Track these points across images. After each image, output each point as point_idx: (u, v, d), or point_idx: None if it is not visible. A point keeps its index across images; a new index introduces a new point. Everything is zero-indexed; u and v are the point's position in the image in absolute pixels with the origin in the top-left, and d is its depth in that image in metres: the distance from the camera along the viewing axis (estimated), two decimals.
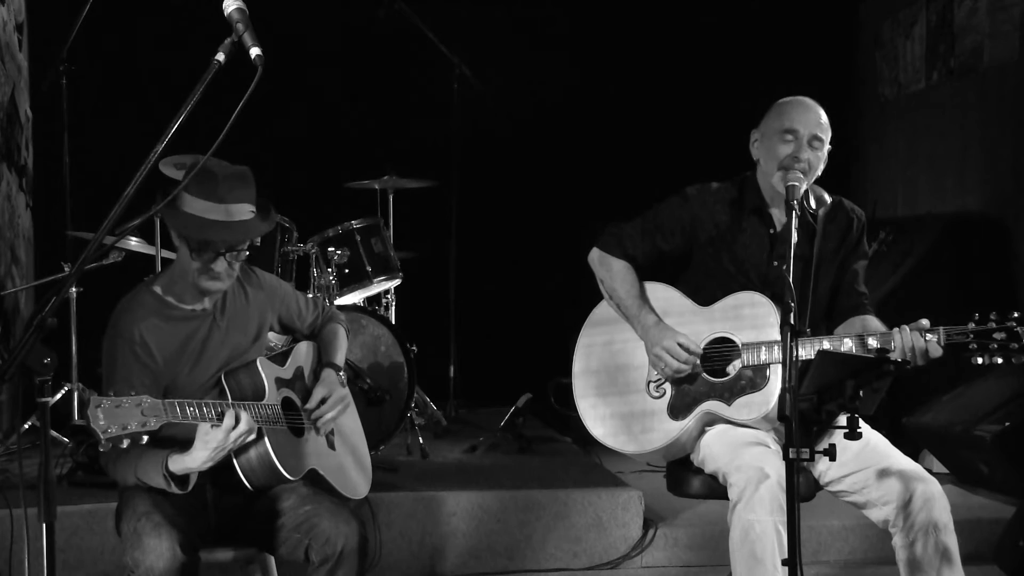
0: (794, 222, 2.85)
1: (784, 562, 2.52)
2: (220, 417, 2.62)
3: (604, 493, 4.28)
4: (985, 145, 5.90)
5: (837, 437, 2.65)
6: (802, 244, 3.19)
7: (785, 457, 2.49)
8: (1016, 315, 2.84)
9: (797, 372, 2.52)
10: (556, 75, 6.56)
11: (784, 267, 2.69)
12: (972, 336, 2.86)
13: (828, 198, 3.26)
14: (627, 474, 4.72)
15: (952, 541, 2.94)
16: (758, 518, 2.85)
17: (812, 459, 2.51)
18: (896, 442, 3.14)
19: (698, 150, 6.13)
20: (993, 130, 5.83)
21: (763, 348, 3.04)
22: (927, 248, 5.64)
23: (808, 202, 3.22)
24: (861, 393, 2.58)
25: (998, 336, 2.84)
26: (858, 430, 2.58)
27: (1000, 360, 2.84)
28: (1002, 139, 5.75)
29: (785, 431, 2.51)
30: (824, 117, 3.14)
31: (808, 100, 3.17)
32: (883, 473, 3.00)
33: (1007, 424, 4.56)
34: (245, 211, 2.87)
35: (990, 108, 5.86)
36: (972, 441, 4.66)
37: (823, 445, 2.62)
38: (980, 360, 2.86)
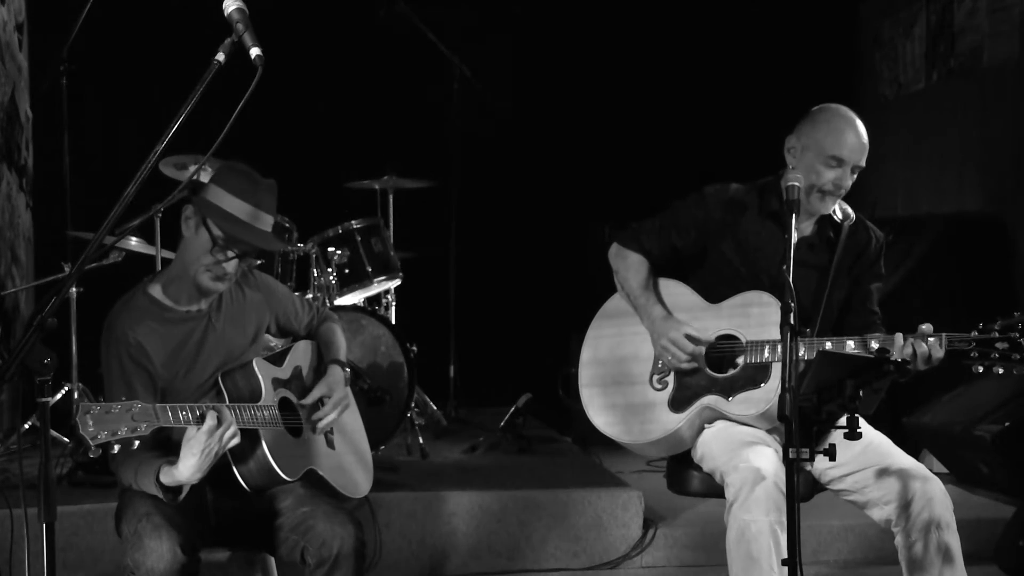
0: (794, 223, 2.85)
1: (784, 562, 2.52)
2: (202, 420, 2.61)
3: (604, 493, 4.28)
4: (985, 145, 5.90)
5: (837, 437, 2.65)
6: (820, 253, 3.20)
7: (785, 457, 2.50)
8: (1020, 326, 2.83)
9: (797, 372, 2.52)
10: (557, 75, 6.57)
11: (784, 267, 2.69)
12: (974, 344, 2.85)
13: (852, 214, 3.27)
14: (627, 474, 4.72)
15: (954, 540, 2.94)
16: (754, 518, 2.85)
17: (812, 459, 2.51)
18: (896, 442, 3.14)
19: (699, 150, 6.14)
20: (993, 130, 5.83)
21: (766, 347, 3.05)
22: (927, 248, 5.63)
23: (835, 214, 3.22)
24: (861, 393, 2.58)
25: (1000, 345, 2.83)
26: (858, 430, 2.58)
27: (1001, 370, 2.83)
28: (1002, 139, 5.75)
29: (785, 431, 2.51)
30: (866, 139, 3.11)
31: (859, 124, 3.11)
32: (884, 472, 3.00)
33: (1007, 424, 4.56)
34: (270, 222, 2.92)
35: (990, 108, 5.86)
36: (972, 441, 4.66)
37: (823, 445, 2.62)
38: (980, 368, 2.85)
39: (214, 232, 2.81)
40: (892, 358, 2.86)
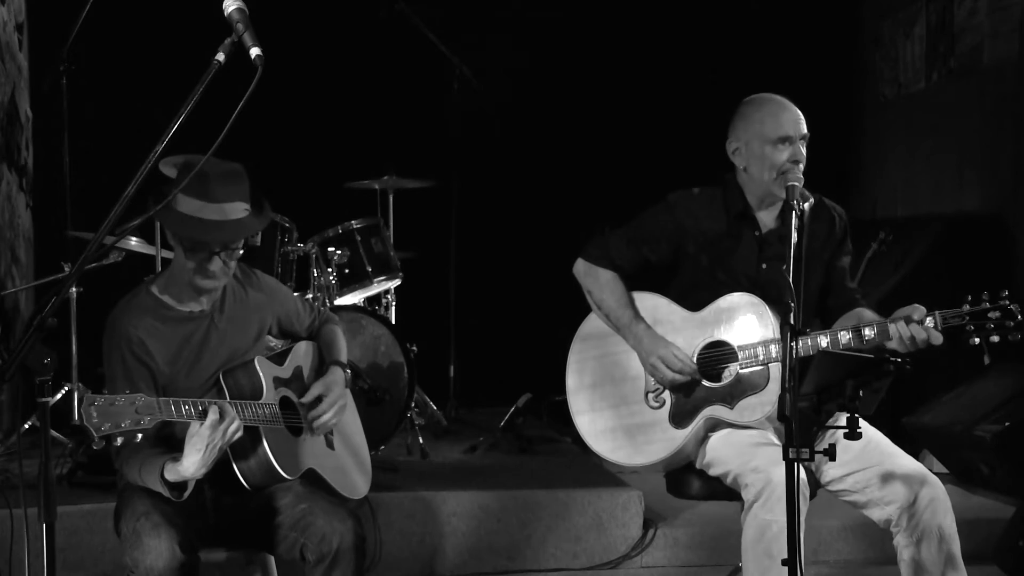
0: (794, 223, 2.83)
1: (784, 562, 2.52)
2: (204, 415, 2.61)
3: (604, 493, 4.28)
4: (985, 145, 5.90)
5: (837, 437, 2.65)
6: (789, 243, 3.17)
7: (785, 457, 2.49)
8: (1006, 293, 2.88)
9: (797, 372, 2.52)
10: (557, 75, 6.56)
11: (784, 267, 2.69)
12: (968, 318, 2.86)
13: (811, 196, 3.25)
14: (627, 474, 4.71)
15: (956, 547, 2.95)
16: (775, 518, 2.83)
17: (812, 459, 2.51)
18: (896, 442, 3.14)
19: (700, 150, 6.11)
20: (993, 130, 5.83)
21: (759, 348, 3.03)
22: (927, 248, 5.63)
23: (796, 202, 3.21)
24: (861, 393, 2.58)
25: (992, 315, 2.84)
26: (858, 430, 2.58)
27: (996, 339, 2.84)
28: (1002, 139, 5.75)
29: (785, 431, 2.51)
30: (797, 109, 3.15)
31: (782, 99, 3.16)
32: (887, 474, 3.00)
33: (1007, 424, 4.56)
34: (239, 209, 2.86)
35: (990, 108, 5.86)
36: (972, 441, 4.66)
37: (823, 445, 2.62)
38: (976, 340, 2.85)
39: (182, 238, 2.82)
40: (891, 346, 2.86)
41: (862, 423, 2.59)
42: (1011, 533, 4.02)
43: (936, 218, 5.92)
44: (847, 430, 2.58)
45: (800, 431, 2.49)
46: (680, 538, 4.26)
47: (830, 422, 2.72)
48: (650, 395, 3.18)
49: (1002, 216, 5.69)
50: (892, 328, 2.90)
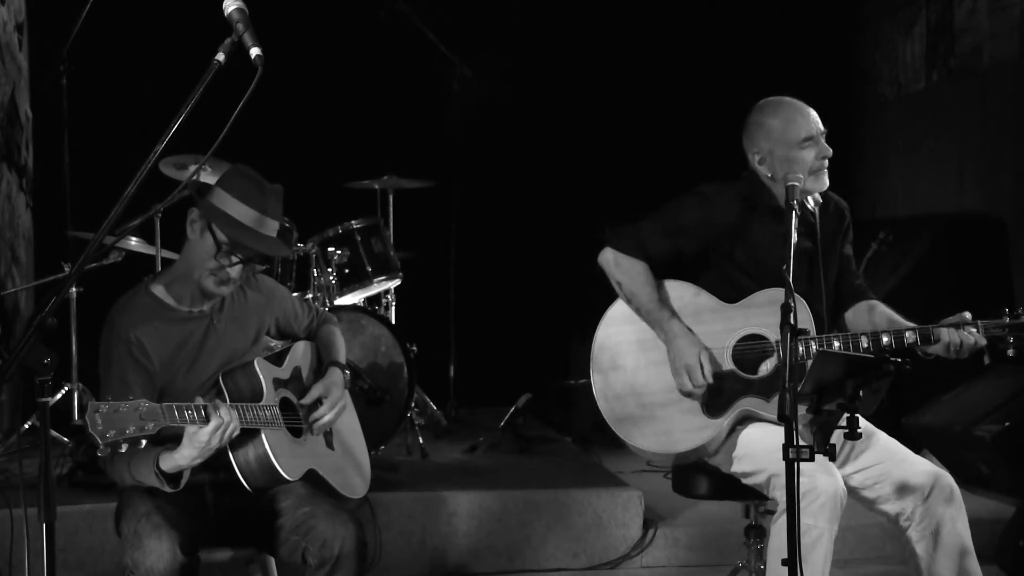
0: (794, 222, 2.83)
1: (784, 562, 2.52)
2: (207, 420, 2.60)
3: (604, 493, 4.28)
4: (985, 145, 5.91)
5: (837, 437, 2.65)
6: (803, 238, 3.17)
7: (785, 457, 2.49)
8: None
9: (797, 372, 2.52)
10: (557, 75, 6.56)
11: (784, 267, 2.68)
12: (1007, 329, 2.95)
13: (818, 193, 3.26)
14: (627, 474, 4.72)
15: (975, 563, 2.98)
16: (816, 524, 2.82)
17: (812, 459, 2.51)
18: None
19: (699, 150, 6.13)
20: (993, 130, 5.83)
21: (799, 344, 3.00)
22: (927, 248, 5.63)
23: (806, 199, 3.22)
24: (861, 393, 2.58)
25: None
26: (858, 430, 2.58)
27: None
28: (1002, 139, 5.75)
29: (785, 431, 2.50)
30: (810, 107, 3.18)
31: (792, 100, 3.18)
32: (898, 469, 3.02)
33: (1007, 424, 4.56)
34: (275, 228, 2.93)
35: (990, 108, 5.86)
36: (972, 441, 4.66)
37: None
38: (1011, 352, 2.96)
39: (219, 237, 2.81)
40: (933, 351, 2.95)
41: (866, 422, 2.59)
42: (1011, 533, 4.03)
43: (936, 218, 5.93)
44: (847, 430, 2.58)
45: (825, 434, 2.51)
46: (680, 538, 4.26)
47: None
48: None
49: (1002, 216, 5.70)
50: (945, 333, 2.94)
